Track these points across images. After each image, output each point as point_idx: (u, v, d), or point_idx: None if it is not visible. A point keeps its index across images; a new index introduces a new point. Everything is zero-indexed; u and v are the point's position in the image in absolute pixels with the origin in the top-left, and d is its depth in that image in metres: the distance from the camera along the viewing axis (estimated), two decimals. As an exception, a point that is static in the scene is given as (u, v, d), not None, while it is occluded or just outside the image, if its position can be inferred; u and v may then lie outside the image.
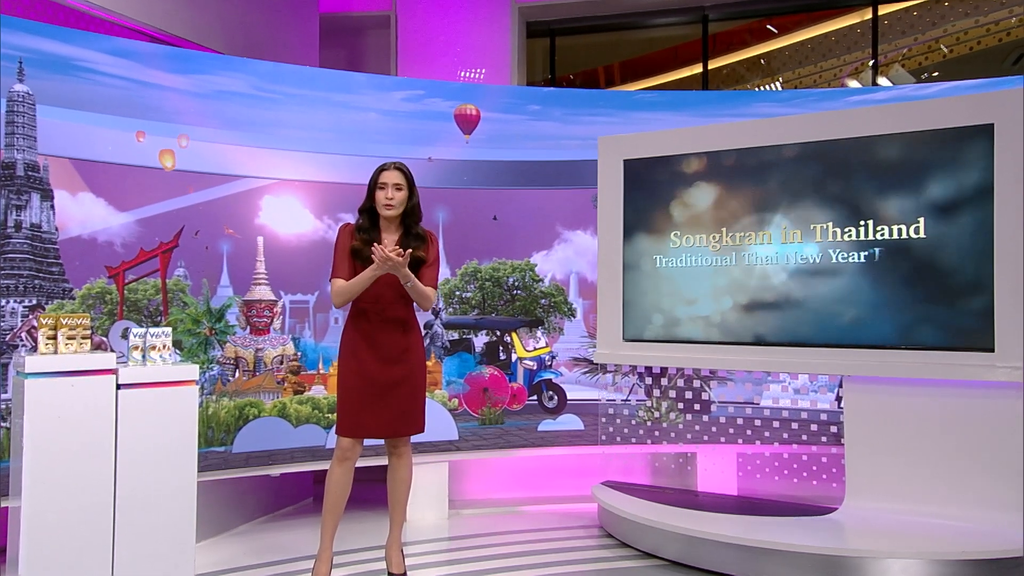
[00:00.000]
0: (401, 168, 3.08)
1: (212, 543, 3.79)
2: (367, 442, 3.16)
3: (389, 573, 3.21)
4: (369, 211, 3.11)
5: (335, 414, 3.99)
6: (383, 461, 3.35)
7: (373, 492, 4.00)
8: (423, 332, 3.32)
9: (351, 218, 3.82)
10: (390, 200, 3.03)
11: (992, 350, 3.28)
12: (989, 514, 3.27)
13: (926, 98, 3.95)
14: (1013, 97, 3.30)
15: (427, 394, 3.23)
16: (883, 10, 5.94)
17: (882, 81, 5.81)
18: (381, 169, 3.08)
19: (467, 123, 4.31)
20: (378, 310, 3.07)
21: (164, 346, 2.89)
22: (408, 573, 3.26)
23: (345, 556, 3.53)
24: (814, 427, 4.08)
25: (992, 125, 3.32)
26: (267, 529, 4.07)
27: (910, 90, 4.59)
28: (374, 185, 3.08)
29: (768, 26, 6.40)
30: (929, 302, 3.43)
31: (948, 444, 3.43)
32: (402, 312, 3.11)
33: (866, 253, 3.57)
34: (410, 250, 2.94)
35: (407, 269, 2.92)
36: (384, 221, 3.11)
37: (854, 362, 3.55)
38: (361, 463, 3.34)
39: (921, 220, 3.46)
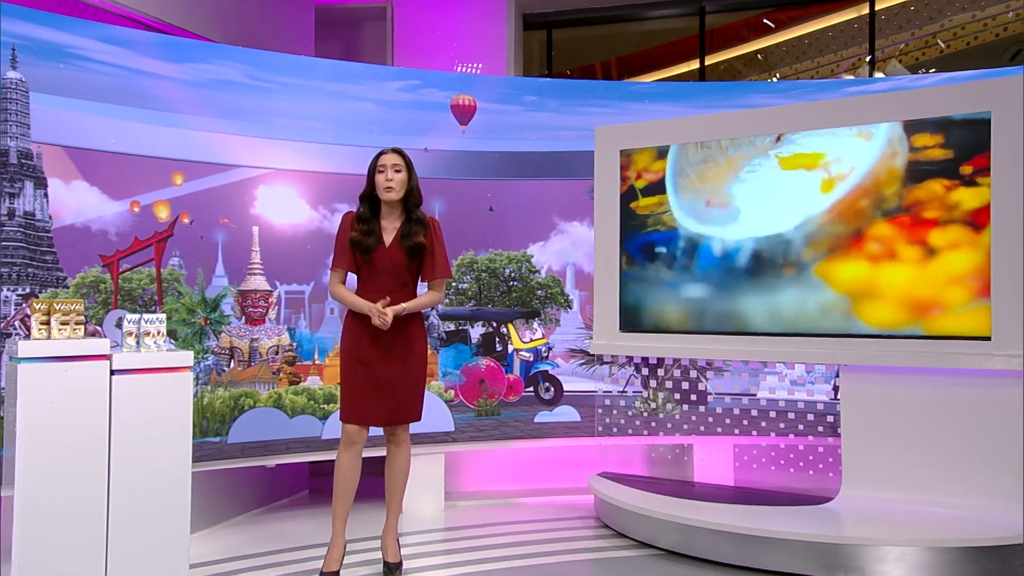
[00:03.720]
0: (399, 151, 3.13)
1: (207, 534, 3.77)
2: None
3: (385, 562, 3.19)
4: (370, 198, 3.14)
5: (331, 405, 4.00)
6: (381, 452, 3.34)
7: (370, 485, 3.98)
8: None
9: (346, 208, 3.82)
10: (390, 182, 3.05)
11: (989, 338, 3.28)
12: (986, 502, 3.27)
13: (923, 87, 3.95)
14: (1011, 86, 3.30)
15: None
16: (880, 5, 5.94)
17: (879, 76, 5.81)
18: (380, 153, 3.13)
19: (463, 113, 4.30)
20: (380, 302, 3.06)
21: (159, 332, 2.87)
22: (404, 563, 3.24)
23: (341, 546, 3.51)
24: (810, 417, 4.08)
25: (989, 113, 3.32)
26: (262, 520, 4.05)
27: (906, 81, 4.58)
28: (373, 170, 3.11)
29: (765, 21, 6.40)
30: (926, 289, 3.43)
31: (945, 433, 3.42)
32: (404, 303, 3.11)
33: (863, 240, 3.56)
34: (402, 305, 3.03)
35: (402, 306, 3.04)
36: (385, 207, 3.12)
37: (851, 351, 3.55)
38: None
39: (918, 208, 3.45)
